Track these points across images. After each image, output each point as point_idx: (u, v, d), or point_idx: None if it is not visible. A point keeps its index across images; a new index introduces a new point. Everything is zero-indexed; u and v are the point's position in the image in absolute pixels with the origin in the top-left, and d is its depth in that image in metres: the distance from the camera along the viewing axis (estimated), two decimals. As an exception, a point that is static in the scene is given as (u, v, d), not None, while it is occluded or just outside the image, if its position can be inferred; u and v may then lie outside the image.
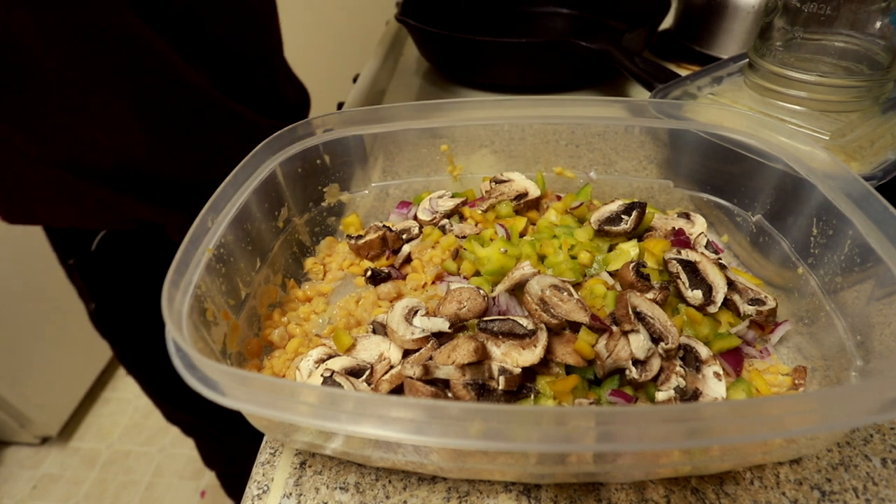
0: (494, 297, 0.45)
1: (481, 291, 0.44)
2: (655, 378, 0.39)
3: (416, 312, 0.43)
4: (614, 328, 0.39)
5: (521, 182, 0.57)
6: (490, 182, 0.58)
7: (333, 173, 0.56)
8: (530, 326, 0.39)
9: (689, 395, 0.38)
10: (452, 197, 0.58)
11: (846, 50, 0.56)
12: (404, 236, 0.55)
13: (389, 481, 0.39)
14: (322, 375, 0.39)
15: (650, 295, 0.43)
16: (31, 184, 0.62)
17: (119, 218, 0.66)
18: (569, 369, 0.40)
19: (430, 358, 0.39)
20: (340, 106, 0.96)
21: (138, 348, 0.83)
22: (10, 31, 0.48)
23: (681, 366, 0.39)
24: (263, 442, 0.42)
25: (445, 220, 0.56)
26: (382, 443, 0.34)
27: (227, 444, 1.00)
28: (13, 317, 1.50)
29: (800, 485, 0.37)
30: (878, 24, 0.54)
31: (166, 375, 0.86)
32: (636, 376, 0.38)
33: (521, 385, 0.38)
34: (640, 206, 0.50)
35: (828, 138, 0.51)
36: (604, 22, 1.00)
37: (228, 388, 0.29)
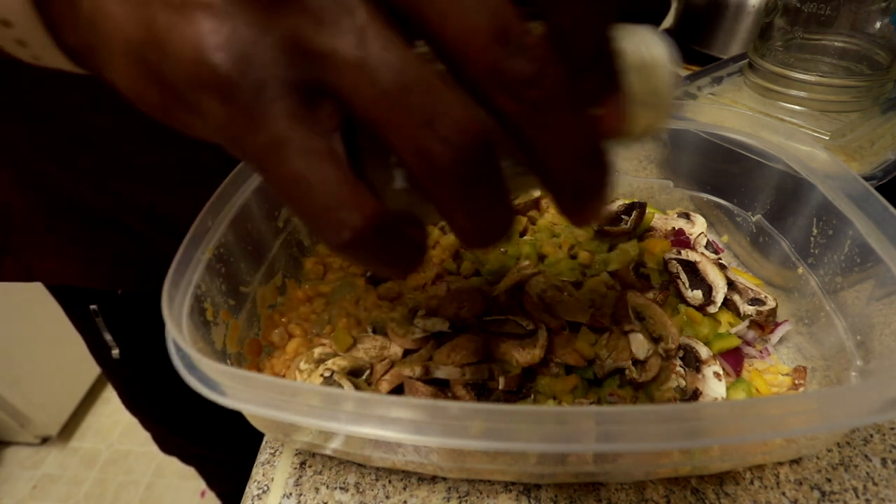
0: (494, 297, 0.45)
1: (481, 291, 0.44)
2: (655, 378, 0.39)
3: (415, 312, 0.43)
4: (614, 328, 0.39)
5: (521, 182, 0.57)
6: (490, 182, 0.58)
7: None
8: (530, 326, 0.39)
9: (689, 395, 0.38)
10: (452, 197, 0.58)
11: (846, 50, 0.56)
12: (404, 236, 0.55)
13: (389, 481, 0.39)
14: (322, 375, 0.39)
15: (650, 295, 0.43)
16: (33, 238, 0.58)
17: (130, 271, 0.63)
18: (569, 369, 0.40)
19: (430, 358, 0.39)
20: (341, 106, 0.96)
21: (156, 389, 0.79)
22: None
23: (681, 366, 0.39)
24: (263, 442, 0.42)
25: (445, 220, 0.56)
26: (382, 443, 0.34)
27: (237, 467, 0.97)
28: (13, 317, 1.50)
29: (800, 485, 0.37)
30: (878, 24, 0.54)
31: (184, 413, 0.82)
32: (636, 376, 0.38)
33: (521, 385, 0.38)
34: (640, 206, 0.50)
35: (828, 138, 0.51)
36: (604, 22, 1.00)
37: (229, 388, 0.29)
